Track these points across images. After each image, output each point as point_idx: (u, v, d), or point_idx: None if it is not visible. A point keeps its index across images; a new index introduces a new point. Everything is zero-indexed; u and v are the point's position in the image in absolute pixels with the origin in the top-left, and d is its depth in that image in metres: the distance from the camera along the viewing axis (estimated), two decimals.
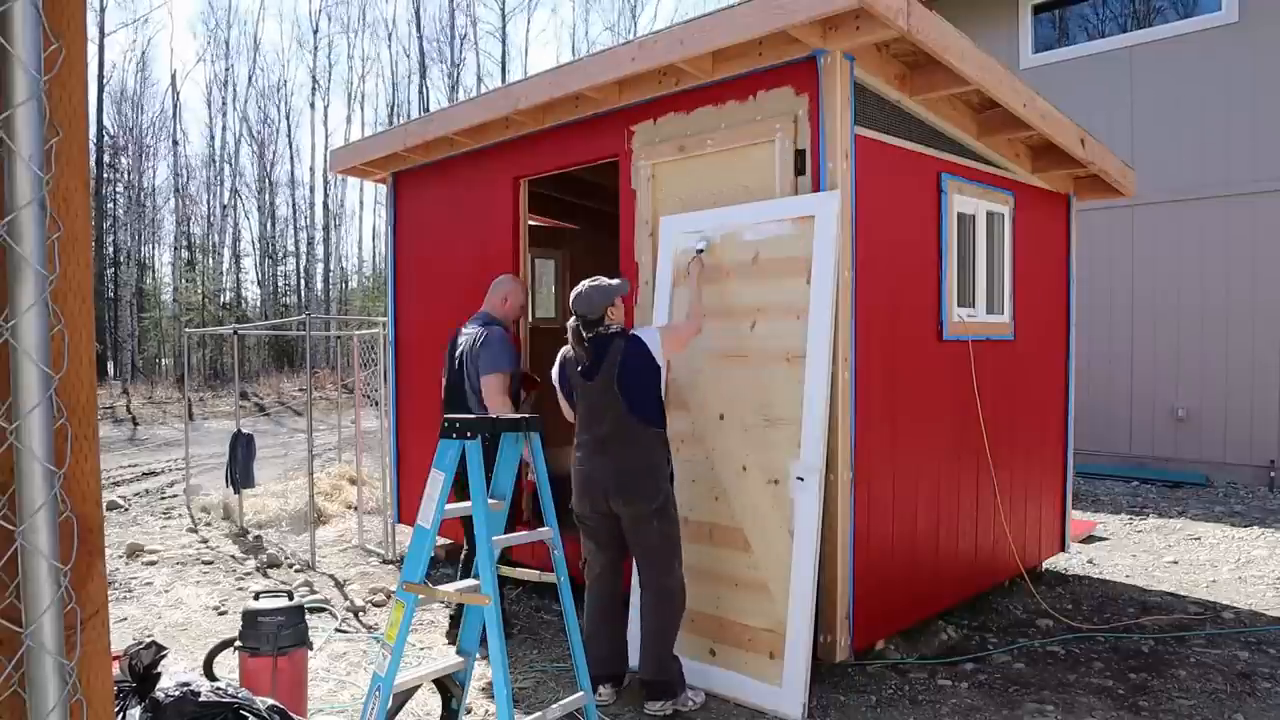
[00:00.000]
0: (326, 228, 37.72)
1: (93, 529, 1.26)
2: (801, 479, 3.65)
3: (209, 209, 36.26)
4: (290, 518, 7.65)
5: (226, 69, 37.68)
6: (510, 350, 4.53)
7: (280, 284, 37.37)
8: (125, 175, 33.63)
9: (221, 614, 5.10)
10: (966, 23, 6.89)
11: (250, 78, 38.08)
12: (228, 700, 2.50)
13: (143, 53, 52.04)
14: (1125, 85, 9.31)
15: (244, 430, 7.85)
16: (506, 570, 3.07)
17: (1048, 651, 4.35)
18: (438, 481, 2.88)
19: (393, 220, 6.47)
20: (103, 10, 31.72)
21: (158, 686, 2.52)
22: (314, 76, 38.08)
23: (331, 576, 5.87)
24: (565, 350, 3.82)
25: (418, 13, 39.18)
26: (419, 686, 3.05)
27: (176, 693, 2.48)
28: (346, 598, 5.40)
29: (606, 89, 4.55)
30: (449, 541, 6.06)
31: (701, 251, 4.03)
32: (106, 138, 31.34)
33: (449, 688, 3.04)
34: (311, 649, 3.57)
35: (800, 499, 3.65)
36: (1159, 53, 9.10)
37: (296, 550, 6.61)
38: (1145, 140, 9.09)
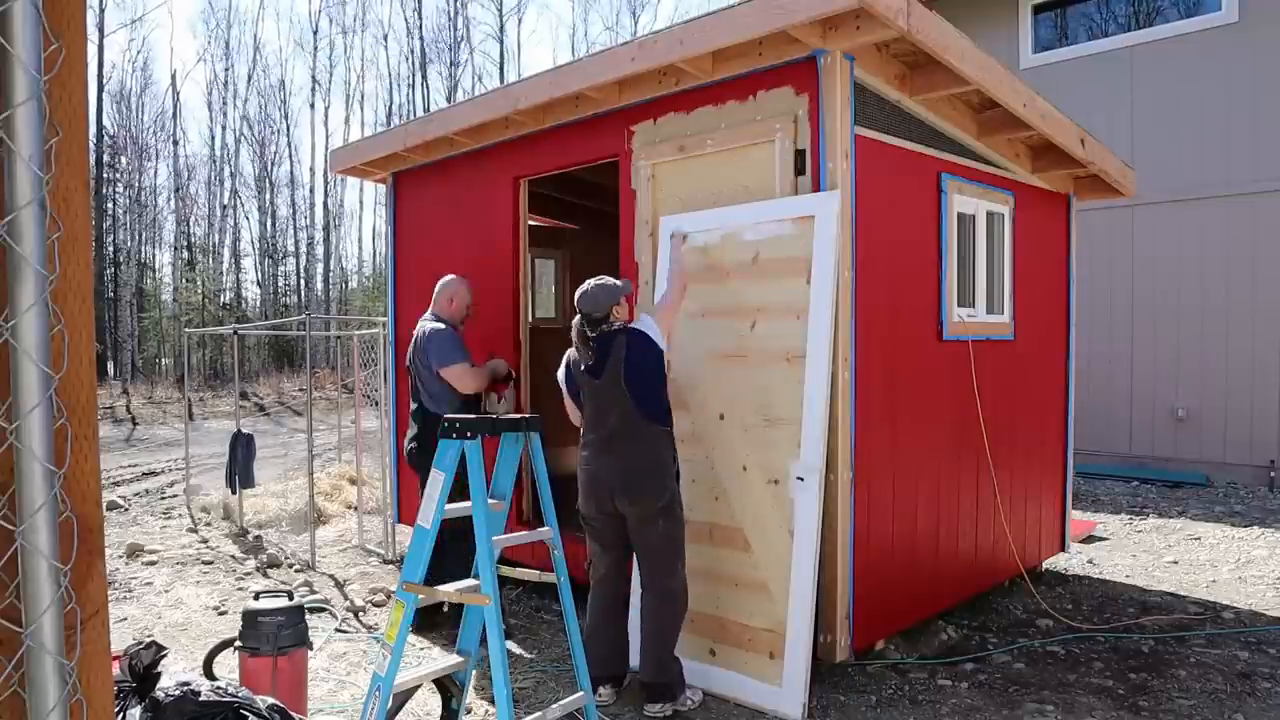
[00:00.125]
0: (326, 228, 37.73)
1: (93, 529, 1.26)
2: (801, 479, 3.65)
3: (209, 209, 36.29)
4: (290, 518, 7.65)
5: (226, 69, 37.73)
6: (460, 344, 4.64)
7: (280, 284, 37.39)
8: (125, 175, 33.65)
9: (221, 614, 5.10)
10: (966, 23, 6.89)
11: (250, 78, 38.08)
12: (228, 700, 2.50)
13: (139, 53, 52.07)
14: (1125, 85, 9.31)
15: (244, 430, 7.85)
16: (506, 570, 3.07)
17: (1048, 651, 4.35)
18: (438, 481, 2.88)
19: (393, 220, 6.47)
20: (102, 10, 31.74)
21: (158, 686, 2.52)
22: (314, 77, 38.11)
23: (331, 576, 5.87)
24: (571, 351, 3.81)
25: (417, 13, 39.20)
26: (419, 686, 3.05)
27: (176, 692, 2.48)
28: (346, 598, 5.40)
29: (606, 89, 4.55)
30: None
31: (686, 235, 4.10)
32: (106, 138, 31.34)
33: (449, 688, 3.05)
34: (311, 649, 3.57)
35: (800, 499, 3.65)
36: (1159, 53, 9.10)
37: (296, 550, 6.61)
38: (1145, 140, 9.09)
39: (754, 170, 4.01)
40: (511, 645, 4.42)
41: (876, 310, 3.99)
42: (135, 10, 50.16)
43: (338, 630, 4.76)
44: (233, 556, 6.49)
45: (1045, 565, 5.76)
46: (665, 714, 3.55)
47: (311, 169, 38.28)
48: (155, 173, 35.77)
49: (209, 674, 3.43)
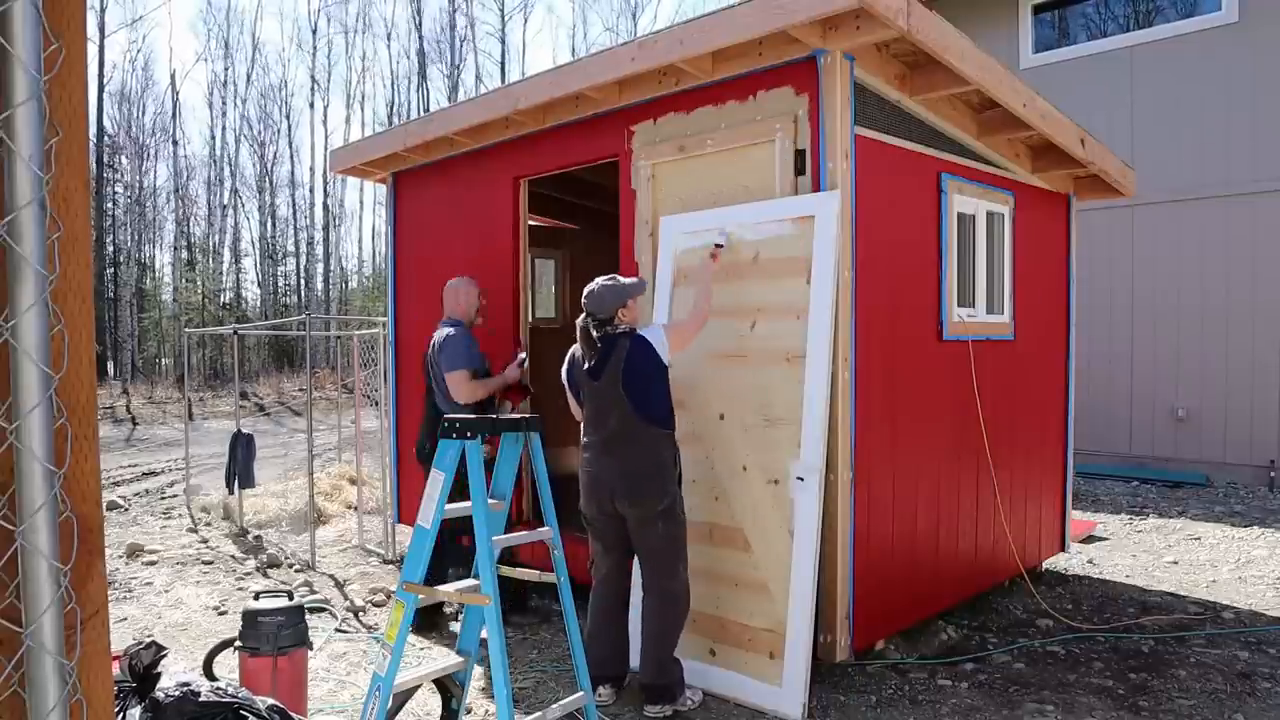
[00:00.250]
0: (326, 228, 37.75)
1: (93, 529, 1.26)
2: (801, 479, 3.65)
3: (209, 209, 36.30)
4: (290, 518, 7.65)
5: (226, 69, 37.74)
6: (469, 349, 4.64)
7: (280, 284, 37.40)
8: (125, 175, 33.65)
9: (221, 614, 5.10)
10: (966, 23, 6.89)
11: (250, 78, 38.09)
12: (228, 700, 2.50)
13: (139, 53, 52.09)
14: (1125, 85, 9.31)
15: (244, 430, 7.86)
16: (507, 570, 3.07)
17: (1048, 651, 4.35)
18: (438, 481, 2.88)
19: (393, 220, 6.47)
20: (103, 10, 31.74)
21: (158, 686, 2.52)
22: (314, 77, 38.13)
23: (331, 576, 5.87)
24: (574, 349, 3.81)
25: (418, 13, 39.19)
26: (419, 686, 3.05)
27: (176, 693, 2.48)
28: (346, 598, 5.40)
29: (606, 89, 4.55)
30: None
31: (720, 246, 3.94)
32: (106, 138, 31.34)
33: (449, 688, 3.04)
34: (311, 649, 3.57)
35: (800, 499, 3.65)
36: (1159, 53, 9.10)
37: (296, 550, 6.61)
38: (1145, 140, 9.09)
39: (754, 170, 4.00)
40: (512, 646, 4.42)
41: (876, 310, 3.99)
42: (135, 10, 50.16)
43: (338, 630, 4.76)
44: (233, 556, 6.49)
45: (1045, 565, 5.76)
46: (665, 714, 3.55)
47: (311, 169, 38.33)
48: (155, 173, 35.83)
49: (209, 674, 3.42)
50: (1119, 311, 9.36)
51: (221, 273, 36.09)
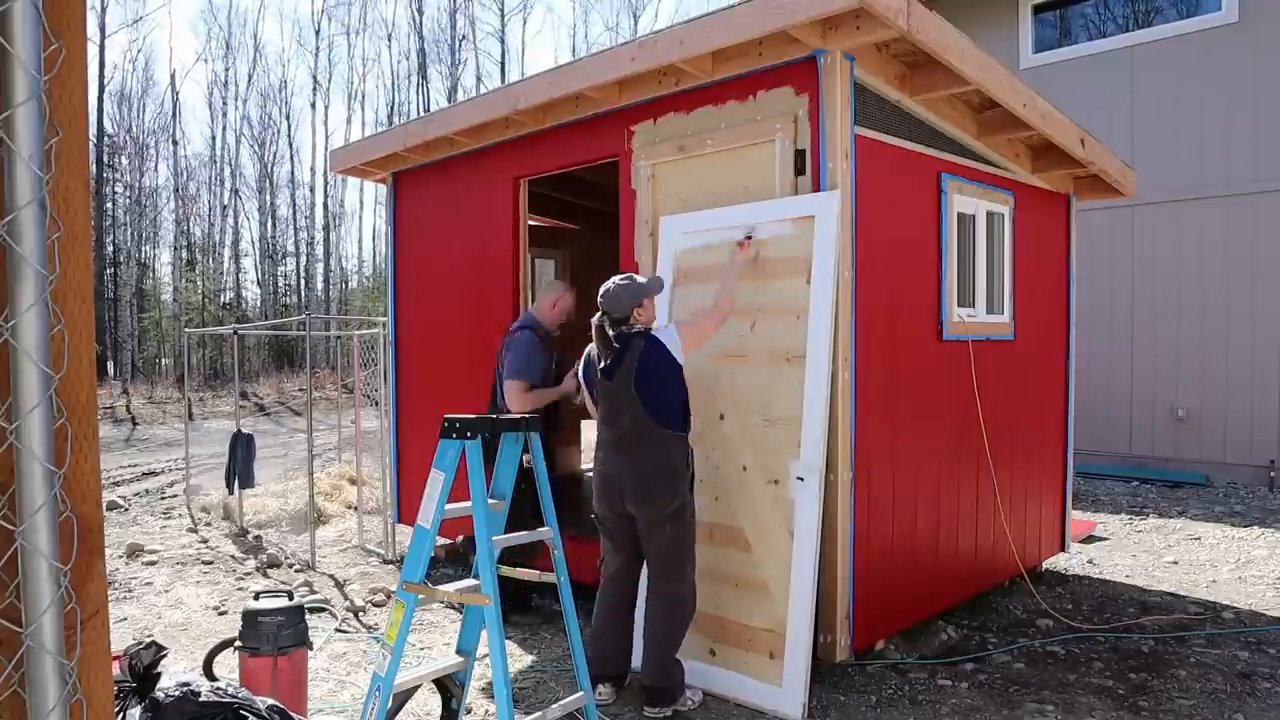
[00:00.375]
0: (326, 228, 37.75)
1: (93, 529, 1.26)
2: (801, 479, 3.65)
3: (209, 209, 36.30)
4: (290, 518, 7.65)
5: (227, 69, 37.75)
6: (536, 357, 4.58)
7: (280, 284, 37.41)
8: (125, 175, 33.66)
9: (221, 614, 5.10)
10: (966, 23, 6.89)
11: (251, 78, 38.11)
12: (228, 700, 2.50)
13: (139, 53, 52.09)
14: (1125, 85, 9.31)
15: (244, 430, 7.86)
16: (507, 570, 3.07)
17: (1048, 651, 4.35)
18: (438, 481, 2.88)
19: (393, 220, 6.47)
20: (103, 10, 31.74)
21: (158, 686, 2.52)
22: (314, 77, 38.15)
23: (331, 576, 5.87)
24: (590, 347, 3.78)
25: (418, 14, 39.21)
26: (419, 686, 3.05)
27: (176, 693, 2.48)
28: (346, 598, 5.40)
29: (606, 89, 4.55)
30: (449, 541, 6.06)
31: (750, 237, 3.87)
32: (106, 138, 31.35)
33: (449, 688, 3.05)
34: (311, 649, 3.57)
35: (800, 499, 3.65)
36: (1159, 53, 9.10)
37: (296, 550, 6.61)
38: (1145, 140, 9.09)
39: (754, 170, 4.01)
40: (511, 645, 4.42)
41: (876, 310, 3.99)
42: (135, 10, 50.16)
43: (338, 630, 4.76)
44: (233, 556, 6.49)
45: (1045, 565, 5.75)
46: (665, 715, 3.55)
47: (312, 169, 38.38)
48: (155, 173, 35.83)
49: (209, 674, 3.42)
50: (1119, 311, 9.36)
51: (221, 273, 36.10)
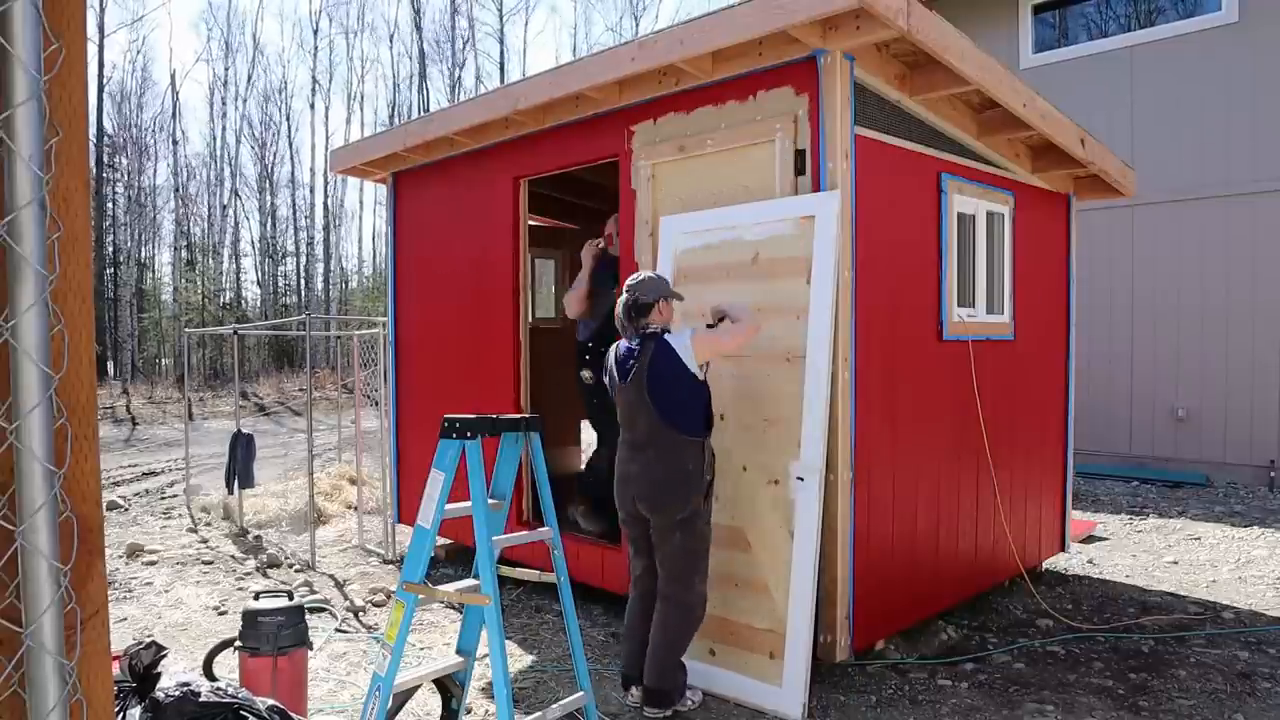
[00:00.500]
0: (326, 228, 37.75)
1: (93, 529, 1.26)
2: (801, 479, 3.65)
3: (209, 209, 36.30)
4: (290, 518, 7.65)
5: (226, 69, 37.76)
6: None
7: (280, 284, 37.40)
8: (125, 175, 33.66)
9: (221, 614, 5.10)
10: (966, 23, 6.89)
11: (250, 78, 38.10)
12: (228, 700, 2.50)
13: (139, 53, 52.11)
14: (1125, 85, 9.31)
15: (244, 430, 7.86)
16: (506, 570, 3.07)
17: (1048, 651, 4.35)
18: (438, 481, 2.88)
19: (393, 220, 6.47)
20: (102, 10, 31.74)
21: (158, 686, 2.52)
22: (314, 77, 38.15)
23: (331, 576, 5.87)
24: (613, 349, 3.74)
25: (418, 13, 39.19)
26: (419, 686, 3.05)
27: (176, 693, 2.48)
28: (346, 598, 5.40)
29: (607, 89, 4.55)
30: (449, 541, 6.06)
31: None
32: (106, 138, 31.35)
33: (449, 688, 3.05)
34: (311, 649, 3.57)
35: (800, 499, 3.65)
36: (1159, 53, 9.10)
37: (296, 550, 6.61)
38: (1145, 140, 9.09)
39: (754, 170, 4.00)
40: (511, 645, 4.43)
41: (876, 310, 3.99)
42: (135, 10, 50.16)
43: (338, 630, 4.76)
44: (233, 556, 6.49)
45: (1045, 565, 5.76)
46: (664, 715, 3.54)
47: (312, 169, 38.36)
48: (155, 173, 35.84)
49: (209, 674, 3.42)
50: (1119, 311, 9.36)
51: (221, 273, 36.10)
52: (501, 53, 38.28)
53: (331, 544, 6.81)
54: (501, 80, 36.32)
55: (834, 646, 3.77)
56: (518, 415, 3.34)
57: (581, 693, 3.13)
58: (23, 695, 1.18)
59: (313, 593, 5.41)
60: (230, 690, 2.56)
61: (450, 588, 2.92)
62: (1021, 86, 4.43)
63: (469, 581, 2.93)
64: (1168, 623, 4.76)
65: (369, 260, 39.17)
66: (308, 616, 3.54)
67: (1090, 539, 6.70)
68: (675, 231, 4.24)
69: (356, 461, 7.34)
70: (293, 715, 2.65)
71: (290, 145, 38.59)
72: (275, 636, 3.21)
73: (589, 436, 6.34)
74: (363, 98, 51.17)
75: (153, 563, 6.29)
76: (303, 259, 38.10)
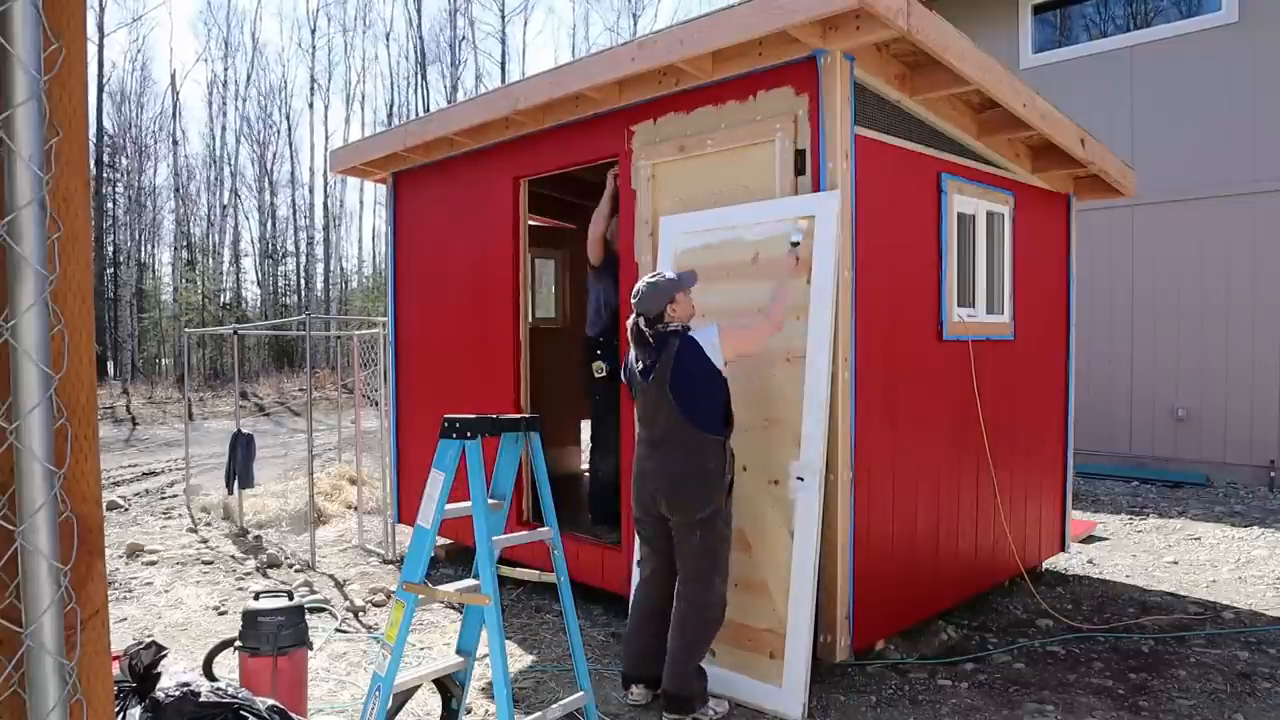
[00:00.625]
0: (326, 228, 37.75)
1: (93, 529, 1.26)
2: (801, 479, 3.65)
3: (209, 209, 36.30)
4: (290, 518, 7.65)
5: (226, 69, 37.77)
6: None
7: (280, 284, 37.40)
8: (125, 175, 33.66)
9: (221, 614, 5.10)
10: (966, 23, 6.89)
11: (250, 78, 38.10)
12: (228, 700, 2.50)
13: (139, 53, 52.10)
14: (1125, 85, 9.31)
15: (244, 430, 7.86)
16: (507, 570, 3.07)
17: (1048, 651, 4.35)
18: (438, 481, 2.88)
19: (393, 220, 6.47)
20: (102, 10, 31.74)
21: (158, 686, 2.52)
22: (313, 77, 38.14)
23: (331, 576, 5.87)
24: (632, 347, 3.71)
25: (417, 13, 39.20)
26: (419, 686, 3.05)
27: (176, 693, 2.48)
28: (346, 598, 5.40)
29: (606, 89, 4.55)
30: (449, 541, 6.06)
31: (796, 244, 3.74)
32: (106, 138, 31.35)
33: (449, 688, 3.05)
34: (311, 649, 3.57)
35: (800, 499, 3.65)
36: (1159, 53, 9.10)
37: (296, 550, 6.61)
38: (1145, 140, 9.09)
39: (754, 170, 4.00)
40: (511, 645, 4.43)
41: (876, 310, 3.99)
42: (135, 10, 50.16)
43: (338, 630, 4.76)
44: (233, 556, 6.49)
45: (1045, 565, 5.75)
46: None
47: (311, 169, 38.33)
48: (155, 173, 35.84)
49: (209, 674, 3.42)
50: (1119, 311, 9.36)
51: (221, 273, 36.10)
52: (502, 53, 38.30)
53: (331, 544, 6.81)
54: (502, 80, 36.32)
55: (834, 646, 3.77)
56: (518, 415, 3.34)
57: (581, 693, 3.12)
58: (23, 695, 1.18)
59: (313, 593, 5.41)
60: (230, 690, 2.56)
61: (450, 588, 2.92)
62: (1021, 86, 4.43)
63: (469, 581, 2.93)
64: (1168, 623, 4.76)
65: (369, 260, 39.22)
66: (308, 616, 3.54)
67: (1090, 539, 6.71)
68: (675, 231, 4.24)
69: (356, 461, 7.34)
70: (293, 715, 2.65)
71: (290, 145, 38.58)
72: (275, 636, 3.21)
73: (589, 436, 6.34)
74: (362, 97, 51.22)
75: (153, 563, 6.29)
76: (303, 259, 38.12)
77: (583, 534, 5.15)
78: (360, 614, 5.09)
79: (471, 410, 3.22)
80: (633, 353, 3.66)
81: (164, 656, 2.61)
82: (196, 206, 36.16)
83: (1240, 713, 3.60)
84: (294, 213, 38.06)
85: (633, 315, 3.59)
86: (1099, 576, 5.74)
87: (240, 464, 7.56)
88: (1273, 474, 8.37)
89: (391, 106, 38.71)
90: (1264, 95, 8.45)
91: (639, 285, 3.61)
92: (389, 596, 5.35)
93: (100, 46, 31.20)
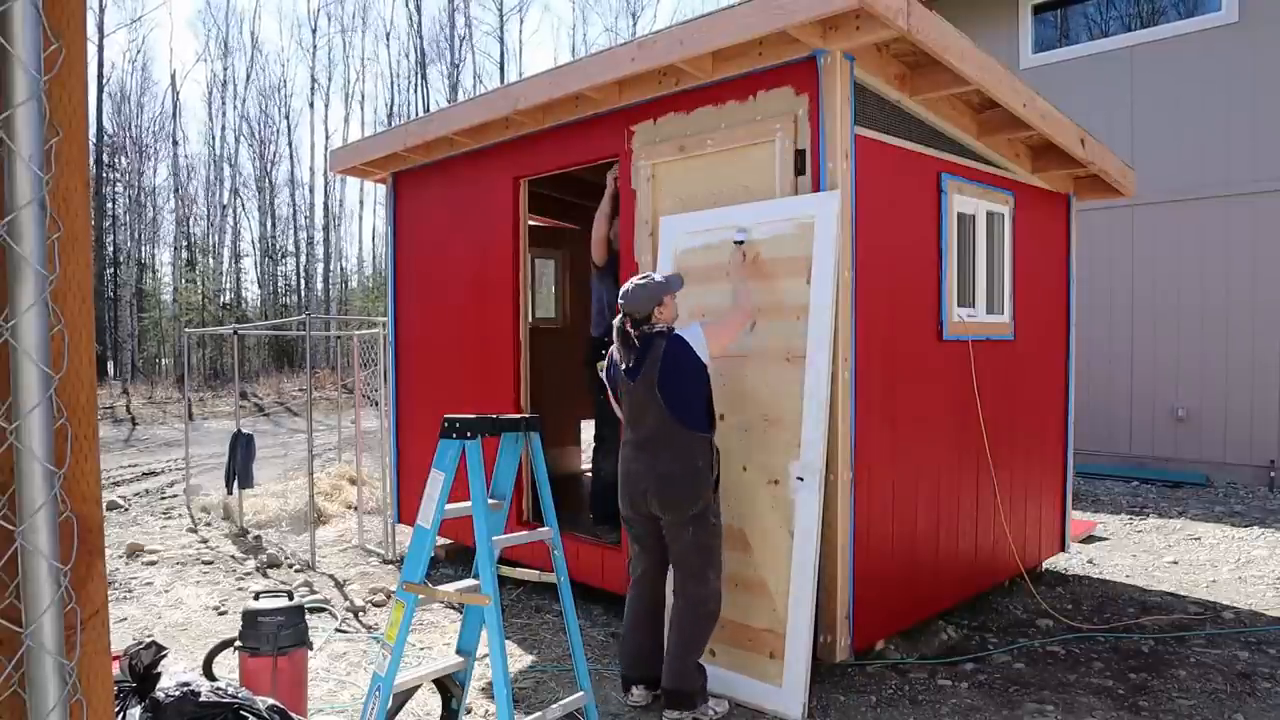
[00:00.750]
0: (326, 228, 37.74)
1: (93, 529, 1.26)
2: (801, 479, 3.65)
3: (209, 209, 36.30)
4: (290, 518, 7.65)
5: (226, 69, 37.75)
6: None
7: (280, 284, 37.40)
8: (125, 175, 33.65)
9: (221, 614, 5.10)
10: (966, 23, 6.89)
11: (249, 78, 38.09)
12: (228, 700, 2.50)
13: (138, 53, 52.11)
14: (1125, 85, 9.31)
15: (244, 430, 7.86)
16: (507, 570, 3.07)
17: (1048, 651, 4.35)
18: (438, 481, 2.88)
19: (393, 220, 6.47)
20: (102, 10, 31.74)
21: (158, 686, 2.52)
22: (313, 77, 38.15)
23: (331, 576, 5.87)
24: (614, 347, 3.76)
25: (416, 12, 39.20)
26: (419, 686, 3.05)
27: (176, 693, 2.48)
28: (346, 598, 5.40)
29: (606, 89, 4.55)
30: (449, 541, 6.06)
31: (741, 243, 3.87)
32: (106, 138, 31.35)
33: (449, 688, 3.05)
34: (311, 649, 3.57)
35: (800, 499, 3.65)
36: (1159, 53, 9.10)
37: (296, 550, 6.61)
38: (1145, 140, 9.09)
39: (754, 170, 4.00)
40: (511, 645, 4.43)
41: (876, 310, 3.99)
42: (134, 10, 50.16)
43: (338, 630, 4.76)
44: (233, 556, 6.49)
45: (1045, 565, 5.75)
46: (684, 718, 3.51)
47: (311, 169, 38.33)
48: (155, 173, 35.83)
49: (209, 674, 3.43)
50: (1119, 311, 9.36)
51: (221, 273, 36.09)
52: (501, 53, 38.29)
53: (331, 544, 6.81)
54: (501, 80, 36.32)
55: (834, 646, 3.77)
56: (518, 415, 3.34)
57: (581, 693, 3.12)
58: (23, 695, 1.18)
59: (313, 593, 5.41)
60: (230, 690, 2.56)
61: (450, 588, 2.92)
62: (1021, 86, 4.43)
63: (469, 581, 2.93)
64: (1168, 623, 4.76)
65: (369, 260, 39.20)
66: (308, 616, 3.54)
67: (1090, 539, 6.70)
68: (675, 231, 4.25)
69: (356, 461, 7.34)
70: (293, 715, 2.65)
71: (290, 145, 38.58)
72: (275, 636, 3.21)
73: (588, 436, 6.33)
74: (362, 97, 51.26)
75: (153, 563, 6.29)
76: (303, 259, 38.11)
77: (583, 534, 5.15)
78: (360, 614, 5.09)
79: (471, 410, 3.22)
80: (616, 353, 3.69)
81: (164, 656, 2.61)
82: (196, 206, 36.18)
83: (1240, 713, 3.60)
84: (294, 213, 38.09)
85: (619, 315, 3.62)
86: (1099, 576, 5.74)
87: (240, 464, 7.56)
88: (1273, 474, 8.37)
89: (391, 106, 38.74)
90: (1264, 95, 8.45)
91: (628, 286, 3.63)
92: (389, 596, 5.35)
93: (100, 47, 31.22)
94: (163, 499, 9.37)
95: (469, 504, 2.85)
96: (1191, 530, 6.93)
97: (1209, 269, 8.82)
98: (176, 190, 35.33)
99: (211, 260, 35.82)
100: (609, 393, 3.84)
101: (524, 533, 3.27)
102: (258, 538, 7.13)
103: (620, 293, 3.64)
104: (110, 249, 31.35)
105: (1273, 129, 8.43)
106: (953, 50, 3.83)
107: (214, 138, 36.63)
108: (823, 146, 3.75)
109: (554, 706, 3.07)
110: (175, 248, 35.77)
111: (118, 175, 32.95)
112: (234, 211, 36.64)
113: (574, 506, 5.97)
